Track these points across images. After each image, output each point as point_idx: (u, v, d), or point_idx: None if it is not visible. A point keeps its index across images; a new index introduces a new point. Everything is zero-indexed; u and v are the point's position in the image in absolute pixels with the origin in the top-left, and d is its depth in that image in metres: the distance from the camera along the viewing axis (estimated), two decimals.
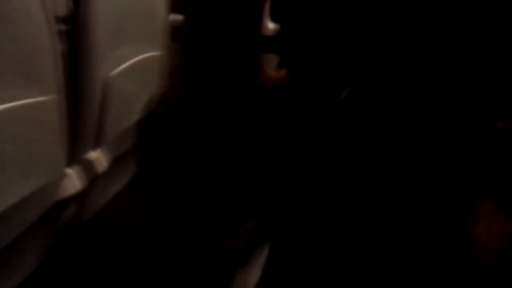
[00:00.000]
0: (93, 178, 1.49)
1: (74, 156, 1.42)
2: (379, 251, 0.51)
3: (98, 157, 1.51)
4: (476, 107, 0.45)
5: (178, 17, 1.80)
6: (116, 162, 1.63)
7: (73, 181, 1.40)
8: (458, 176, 0.46)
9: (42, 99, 1.20)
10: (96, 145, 1.52)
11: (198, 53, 0.54)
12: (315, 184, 0.50)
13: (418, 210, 0.47)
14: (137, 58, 1.66)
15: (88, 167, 1.47)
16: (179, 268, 1.46)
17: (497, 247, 0.45)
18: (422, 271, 0.48)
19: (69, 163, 1.40)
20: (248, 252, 1.05)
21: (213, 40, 0.51)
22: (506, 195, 0.46)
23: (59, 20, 1.31)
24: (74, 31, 1.39)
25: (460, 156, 0.46)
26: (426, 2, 0.44)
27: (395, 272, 0.49)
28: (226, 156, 0.53)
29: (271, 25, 1.28)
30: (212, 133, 0.53)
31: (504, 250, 0.45)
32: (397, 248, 0.48)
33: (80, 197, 1.44)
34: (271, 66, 0.51)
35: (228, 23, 0.50)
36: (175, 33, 1.73)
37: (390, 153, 0.46)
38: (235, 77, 0.51)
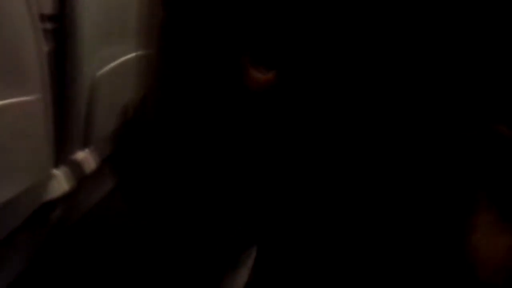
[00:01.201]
0: (81, 179, 1.48)
1: (61, 156, 1.40)
2: (370, 259, 0.49)
3: (86, 157, 1.50)
4: (476, 110, 0.43)
5: None
6: (105, 162, 1.61)
7: (60, 182, 1.38)
8: (456, 185, 0.44)
9: (27, 98, 1.18)
10: (84, 145, 1.50)
11: (178, 53, 0.52)
12: (301, 186, 0.49)
13: (413, 219, 0.45)
14: (125, 57, 1.64)
15: (75, 168, 1.45)
16: (167, 270, 1.45)
17: (499, 263, 0.43)
18: (416, 285, 0.46)
19: (56, 164, 1.38)
20: (236, 255, 1.04)
21: (193, 39, 0.49)
22: (509, 206, 0.43)
23: (45, 18, 1.29)
24: (61, 29, 1.37)
25: (458, 163, 0.44)
26: (422, 4, 0.42)
27: (387, 284, 0.47)
28: (210, 159, 0.51)
29: None
30: (195, 136, 0.51)
31: (507, 266, 0.42)
32: (391, 260, 0.46)
33: (67, 199, 1.43)
34: (259, 68, 0.49)
35: (210, 20, 0.48)
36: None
37: (386, 158, 0.44)
38: (218, 78, 0.49)
